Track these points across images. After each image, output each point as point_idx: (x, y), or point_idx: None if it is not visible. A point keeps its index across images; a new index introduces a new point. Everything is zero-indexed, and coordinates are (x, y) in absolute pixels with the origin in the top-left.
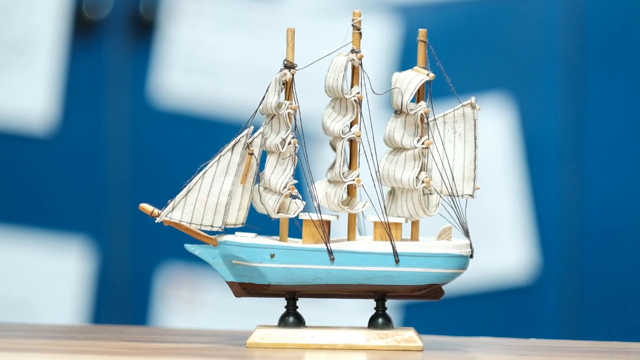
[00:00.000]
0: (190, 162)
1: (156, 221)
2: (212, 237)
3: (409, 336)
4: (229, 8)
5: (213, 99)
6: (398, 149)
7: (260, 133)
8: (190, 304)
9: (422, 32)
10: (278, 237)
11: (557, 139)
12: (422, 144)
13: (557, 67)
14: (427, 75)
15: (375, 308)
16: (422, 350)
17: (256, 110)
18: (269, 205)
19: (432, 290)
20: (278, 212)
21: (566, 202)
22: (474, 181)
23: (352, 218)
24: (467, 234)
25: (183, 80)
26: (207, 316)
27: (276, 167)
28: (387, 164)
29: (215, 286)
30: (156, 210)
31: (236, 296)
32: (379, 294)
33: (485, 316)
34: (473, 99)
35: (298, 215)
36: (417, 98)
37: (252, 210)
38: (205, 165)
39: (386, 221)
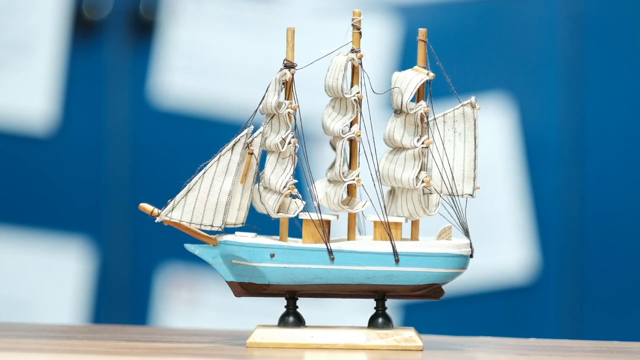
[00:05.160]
0: (190, 162)
1: (156, 221)
2: (212, 236)
3: (409, 336)
4: (229, 8)
5: (213, 99)
6: (398, 149)
7: (260, 132)
8: (190, 304)
9: (422, 32)
10: (278, 237)
11: (557, 139)
12: (422, 143)
13: (557, 67)
14: (427, 74)
15: (375, 308)
16: (422, 350)
17: (256, 110)
18: (269, 204)
19: (432, 290)
20: (278, 212)
21: (566, 202)
22: (474, 181)
23: (352, 218)
24: (467, 233)
25: (183, 80)
26: (207, 316)
27: (276, 167)
28: (387, 164)
29: (215, 286)
30: (156, 210)
31: (236, 296)
32: (379, 293)
33: (485, 316)
34: (473, 98)
35: (298, 214)
36: (417, 97)
37: (252, 209)
38: (205, 165)
39: (386, 221)
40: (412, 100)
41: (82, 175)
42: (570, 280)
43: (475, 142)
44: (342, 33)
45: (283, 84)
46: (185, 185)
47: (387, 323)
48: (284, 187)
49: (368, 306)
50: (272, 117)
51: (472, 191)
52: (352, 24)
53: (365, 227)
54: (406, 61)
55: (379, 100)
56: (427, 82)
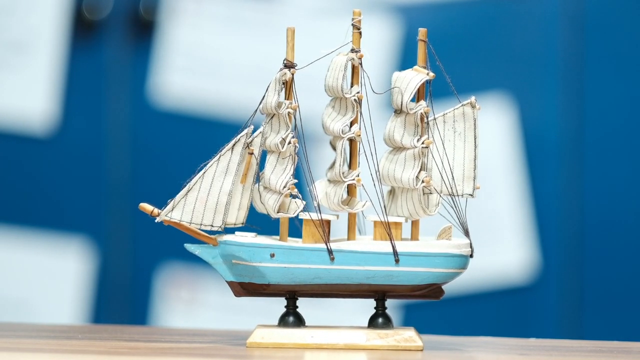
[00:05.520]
0: (190, 162)
1: (156, 221)
2: (212, 236)
3: (408, 336)
4: (229, 8)
5: (213, 99)
6: (398, 149)
7: (260, 132)
8: (190, 304)
9: (422, 32)
10: (278, 237)
11: (557, 139)
12: (422, 143)
13: (557, 67)
14: (427, 74)
15: (375, 308)
16: (422, 350)
17: (256, 110)
18: (269, 204)
19: (432, 290)
20: (278, 212)
21: (566, 202)
22: (474, 181)
23: (352, 218)
24: (467, 233)
25: (183, 80)
26: (207, 316)
27: (276, 167)
28: (387, 164)
29: (215, 286)
30: (156, 210)
31: (236, 296)
32: (379, 293)
33: (485, 316)
34: (473, 98)
35: (298, 214)
36: (417, 97)
37: (252, 209)
38: (205, 165)
39: (386, 221)
40: (412, 100)
41: (82, 175)
42: (570, 280)
43: (475, 142)
44: (342, 33)
45: (283, 83)
46: (185, 185)
47: (387, 323)
48: (284, 187)
49: (368, 306)
50: (272, 117)
51: (472, 191)
52: (352, 24)
53: (365, 227)
54: (406, 61)
55: (379, 100)
56: (427, 82)
